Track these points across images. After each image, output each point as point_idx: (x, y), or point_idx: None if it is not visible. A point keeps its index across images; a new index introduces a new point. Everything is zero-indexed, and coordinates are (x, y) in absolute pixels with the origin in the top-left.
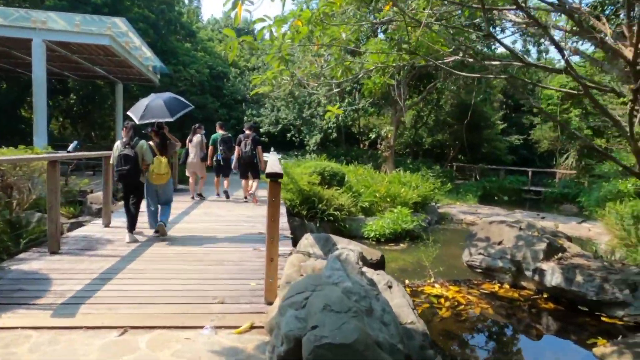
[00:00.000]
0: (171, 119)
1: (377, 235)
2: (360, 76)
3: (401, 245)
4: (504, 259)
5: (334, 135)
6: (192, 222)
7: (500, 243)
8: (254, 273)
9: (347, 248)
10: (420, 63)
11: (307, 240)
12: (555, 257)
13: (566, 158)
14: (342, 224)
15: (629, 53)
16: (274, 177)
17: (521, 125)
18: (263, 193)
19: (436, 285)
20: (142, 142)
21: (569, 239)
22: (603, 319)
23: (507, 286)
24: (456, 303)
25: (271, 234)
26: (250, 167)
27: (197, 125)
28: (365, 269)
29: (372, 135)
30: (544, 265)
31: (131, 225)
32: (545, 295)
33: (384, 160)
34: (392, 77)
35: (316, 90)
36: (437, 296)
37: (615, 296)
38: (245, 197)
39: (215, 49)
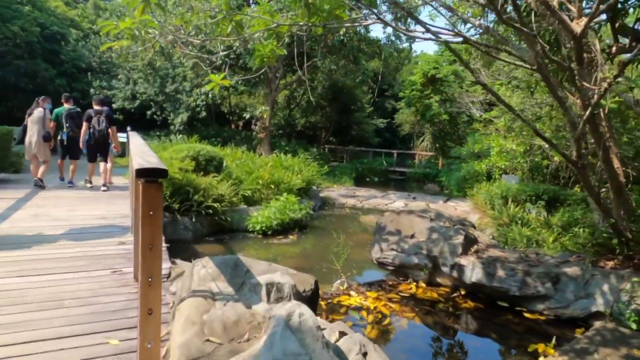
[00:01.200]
0: None
1: (264, 228)
2: (248, 41)
3: (290, 237)
4: (420, 255)
5: (203, 114)
6: (13, 229)
7: (412, 236)
8: (115, 318)
9: (274, 281)
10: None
11: (206, 270)
12: (472, 250)
13: (422, 141)
14: (223, 218)
15: (576, 26)
16: (152, 176)
17: (384, 109)
18: (119, 180)
19: (352, 292)
20: None
21: (474, 226)
22: (526, 315)
23: (423, 284)
24: (380, 316)
25: (148, 270)
26: (102, 149)
27: (41, 97)
28: (320, 320)
29: (246, 115)
30: (463, 260)
31: None
32: (462, 292)
33: (259, 142)
34: (283, 47)
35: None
36: (358, 308)
37: (537, 290)
38: (90, 183)
39: (48, 4)
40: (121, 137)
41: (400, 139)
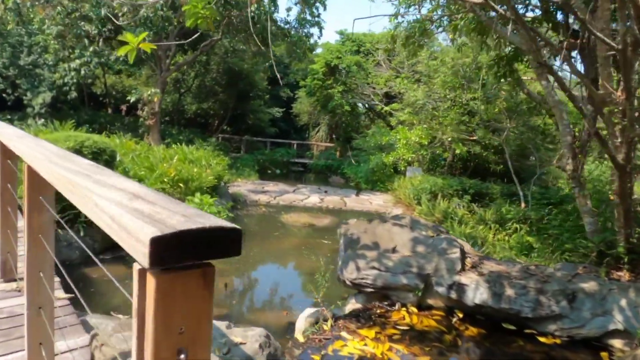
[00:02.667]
0: None
1: None
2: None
3: None
4: (409, 274)
5: (73, 94)
6: None
7: (394, 250)
8: None
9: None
10: None
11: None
12: (468, 264)
13: (317, 131)
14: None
15: None
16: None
17: (279, 98)
18: None
19: (343, 333)
20: None
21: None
22: (540, 339)
23: (414, 309)
24: None
25: None
26: None
27: None
28: None
29: (131, 98)
30: (464, 279)
31: None
32: (460, 315)
33: (147, 129)
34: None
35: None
36: None
37: (552, 310)
38: None
39: None
40: None
41: (295, 129)
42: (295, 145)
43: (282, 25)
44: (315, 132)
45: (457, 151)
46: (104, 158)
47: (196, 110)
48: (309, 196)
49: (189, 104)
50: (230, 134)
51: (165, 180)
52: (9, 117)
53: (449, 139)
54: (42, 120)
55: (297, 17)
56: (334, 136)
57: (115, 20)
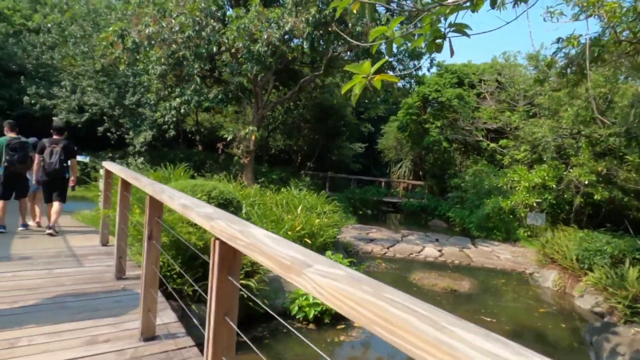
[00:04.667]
0: None
1: (317, 313)
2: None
3: (356, 325)
4: None
5: (172, 133)
6: None
7: None
8: None
9: None
10: None
11: None
12: None
13: (400, 167)
14: (260, 300)
15: None
16: None
17: (361, 133)
18: (67, 222)
19: None
20: None
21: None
22: None
23: None
24: None
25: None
26: (57, 186)
27: None
28: None
29: (228, 136)
30: None
31: None
32: None
33: (241, 168)
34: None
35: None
36: None
37: None
38: (39, 225)
39: None
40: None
41: (374, 164)
42: (383, 183)
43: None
44: (398, 168)
45: (597, 197)
46: (230, 210)
47: (281, 146)
48: (423, 247)
49: (276, 141)
50: (314, 170)
51: (290, 233)
52: (111, 154)
53: (586, 182)
54: (141, 159)
55: (410, 49)
56: (420, 173)
57: (218, 58)
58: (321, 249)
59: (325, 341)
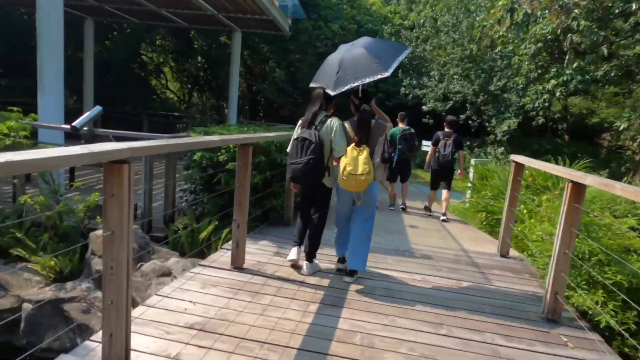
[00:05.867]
0: (386, 73)
1: None
2: None
3: None
4: None
5: (541, 120)
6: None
7: None
8: None
9: None
10: None
11: None
12: None
13: None
14: None
15: None
16: None
17: None
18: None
19: None
20: (332, 120)
21: None
22: None
23: None
24: None
25: None
26: (446, 176)
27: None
28: None
29: (621, 125)
30: None
31: (310, 251)
32: None
33: (634, 165)
34: None
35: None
36: None
37: None
38: (429, 211)
39: (365, 2)
40: (426, 146)
41: None
42: None
43: None
44: None
45: None
46: None
47: None
48: None
49: None
50: None
51: None
52: (469, 143)
53: None
54: (501, 148)
55: None
56: None
57: None
58: None
59: None
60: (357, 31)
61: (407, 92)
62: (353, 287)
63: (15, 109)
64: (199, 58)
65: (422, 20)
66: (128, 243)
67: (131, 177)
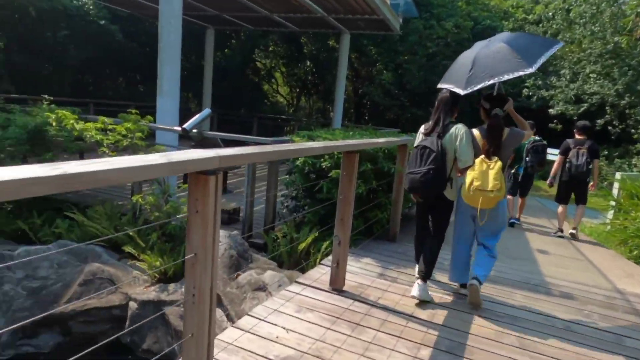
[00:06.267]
0: (530, 69)
1: None
2: None
3: None
4: None
5: None
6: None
7: None
8: None
9: None
10: None
11: None
12: None
13: None
14: None
15: None
16: None
17: None
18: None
19: None
20: (457, 127)
21: None
22: None
23: None
24: None
25: None
26: (579, 188)
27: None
28: None
29: None
30: None
31: (426, 270)
32: None
33: None
34: None
35: None
36: None
37: None
38: (561, 231)
39: None
40: (552, 155)
41: None
42: None
43: None
44: None
45: None
46: None
47: None
48: None
49: None
50: None
51: None
52: (606, 152)
53: None
54: None
55: None
56: None
57: None
58: None
59: None
60: (472, 29)
61: (530, 93)
62: (474, 328)
63: (134, 111)
64: (308, 62)
65: (551, 13)
66: (213, 268)
67: (218, 190)
